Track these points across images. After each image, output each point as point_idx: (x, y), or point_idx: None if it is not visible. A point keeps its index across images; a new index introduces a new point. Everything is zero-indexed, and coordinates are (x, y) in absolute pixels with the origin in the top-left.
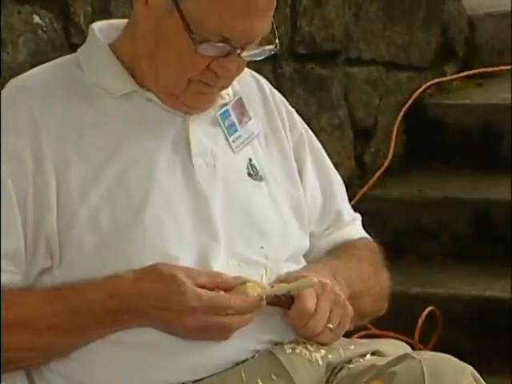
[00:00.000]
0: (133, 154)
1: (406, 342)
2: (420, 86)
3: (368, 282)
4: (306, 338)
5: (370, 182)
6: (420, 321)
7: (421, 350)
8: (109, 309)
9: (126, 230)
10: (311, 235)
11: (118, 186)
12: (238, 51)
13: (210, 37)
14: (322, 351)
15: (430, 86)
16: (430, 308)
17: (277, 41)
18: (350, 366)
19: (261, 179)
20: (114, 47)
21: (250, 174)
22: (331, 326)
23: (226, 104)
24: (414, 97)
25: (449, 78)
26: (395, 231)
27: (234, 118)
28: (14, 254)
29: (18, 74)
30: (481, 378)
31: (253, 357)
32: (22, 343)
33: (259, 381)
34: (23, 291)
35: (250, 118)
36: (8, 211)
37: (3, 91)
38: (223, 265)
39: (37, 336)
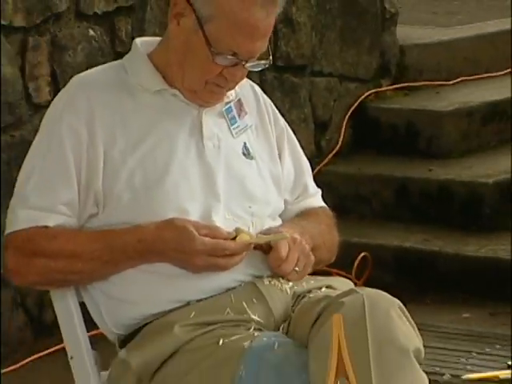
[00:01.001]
0: (160, 135)
1: (346, 278)
2: (363, 94)
3: (324, 239)
4: (279, 276)
5: (325, 161)
6: (356, 262)
7: (356, 284)
8: (137, 250)
9: (152, 190)
10: (285, 202)
11: (148, 157)
12: (243, 63)
13: (223, 51)
14: (290, 284)
15: (370, 94)
16: (363, 253)
17: (270, 57)
18: (310, 295)
19: (252, 158)
20: (150, 56)
21: (244, 154)
22: (297, 269)
23: (229, 102)
24: (359, 101)
25: (384, 89)
26: (341, 197)
27: (234, 112)
28: (71, 202)
29: (77, 72)
30: (404, 308)
31: (240, 285)
32: (73, 269)
33: (243, 303)
34: (77, 231)
35: (246, 114)
36: (67, 172)
37: (68, 84)
38: (222, 218)
39: (84, 264)
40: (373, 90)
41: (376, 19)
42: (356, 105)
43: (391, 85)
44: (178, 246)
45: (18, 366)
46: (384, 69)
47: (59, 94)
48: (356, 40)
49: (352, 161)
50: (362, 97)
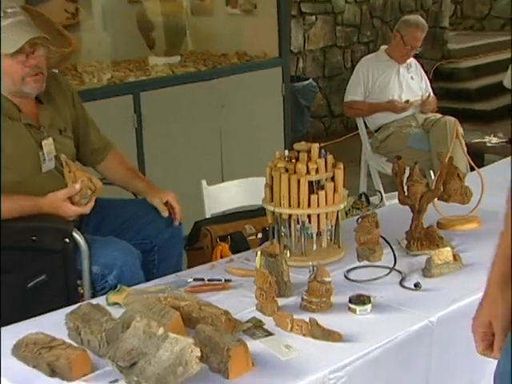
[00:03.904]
0: (386, 74)
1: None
2: None
3: (434, 101)
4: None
5: None
6: None
7: None
8: None
9: (382, 91)
10: (422, 96)
11: (381, 81)
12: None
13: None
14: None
15: None
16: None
17: (420, 48)
18: (431, 117)
19: (413, 79)
20: (386, 50)
21: (411, 78)
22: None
23: (410, 61)
24: None
25: None
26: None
27: (410, 65)
28: (362, 92)
29: (360, 57)
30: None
31: None
32: (370, 109)
33: None
34: (368, 102)
35: (411, 66)
36: (360, 84)
37: (361, 60)
38: (404, 99)
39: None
40: None
41: None
42: None
43: None
44: None
45: (340, 139)
46: None
47: (358, 63)
48: None
49: None
50: None
